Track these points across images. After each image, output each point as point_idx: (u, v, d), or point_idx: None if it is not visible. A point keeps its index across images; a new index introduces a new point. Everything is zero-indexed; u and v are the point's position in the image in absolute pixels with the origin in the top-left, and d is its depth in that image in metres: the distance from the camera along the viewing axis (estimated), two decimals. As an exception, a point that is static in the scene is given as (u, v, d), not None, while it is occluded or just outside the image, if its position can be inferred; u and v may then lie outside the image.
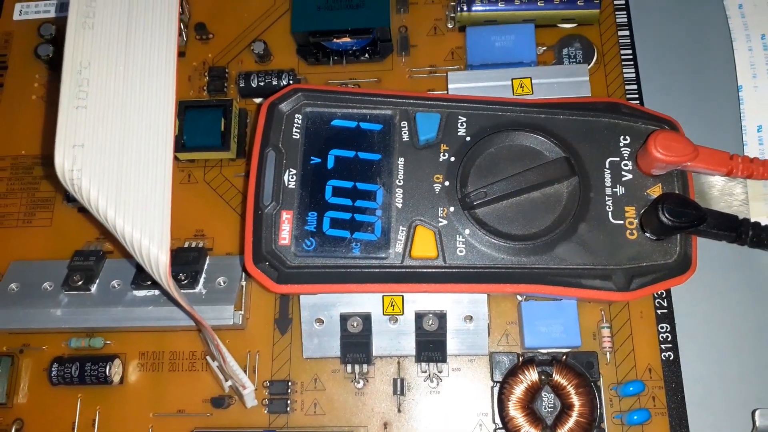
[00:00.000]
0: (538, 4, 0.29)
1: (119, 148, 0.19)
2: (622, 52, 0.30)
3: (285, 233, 0.23)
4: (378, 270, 0.23)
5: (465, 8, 0.29)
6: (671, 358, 0.26)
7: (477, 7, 0.29)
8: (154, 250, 0.19)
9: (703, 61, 0.29)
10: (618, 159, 0.23)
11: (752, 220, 0.23)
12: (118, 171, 0.19)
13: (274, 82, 0.29)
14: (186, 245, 0.28)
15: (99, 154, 0.19)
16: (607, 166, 0.24)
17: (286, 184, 0.24)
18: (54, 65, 0.31)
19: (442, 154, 0.24)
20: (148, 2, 0.21)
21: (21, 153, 0.30)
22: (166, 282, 0.20)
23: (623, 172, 0.23)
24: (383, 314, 0.25)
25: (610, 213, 0.23)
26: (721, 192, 0.26)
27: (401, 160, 0.24)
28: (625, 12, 0.30)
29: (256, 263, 0.23)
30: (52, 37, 0.31)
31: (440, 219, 0.23)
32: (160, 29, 0.21)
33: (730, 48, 0.29)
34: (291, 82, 0.29)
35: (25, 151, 0.30)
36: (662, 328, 0.26)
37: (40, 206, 0.29)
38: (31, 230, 0.29)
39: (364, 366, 0.25)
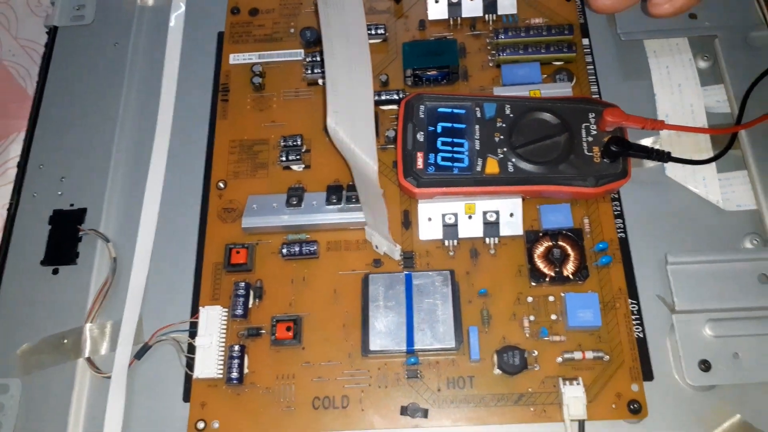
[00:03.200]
0: (542, 51, 0.51)
1: (352, 112, 0.40)
2: (590, 77, 0.51)
3: (419, 162, 0.44)
4: (468, 178, 0.44)
5: (500, 55, 0.51)
6: (623, 237, 0.46)
7: (506, 54, 0.52)
8: (371, 163, 0.38)
9: (634, 79, 0.51)
10: (588, 124, 0.45)
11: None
12: (353, 124, 0.39)
13: (394, 97, 0.50)
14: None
15: (345, 116, 0.39)
16: (583, 127, 0.45)
17: (418, 139, 0.45)
18: (259, 89, 0.53)
19: (498, 123, 0.45)
20: (355, 42, 0.42)
21: (244, 138, 0.50)
22: (375, 180, 0.39)
23: (591, 130, 0.45)
24: (464, 213, 0.46)
25: (585, 149, 0.44)
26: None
27: (477, 127, 0.45)
28: (590, 55, 0.51)
29: (405, 177, 0.44)
30: (260, 72, 0.53)
31: (499, 154, 0.44)
32: (360, 52, 0.41)
33: (648, 71, 0.51)
34: (403, 96, 0.50)
35: (247, 137, 0.50)
36: (618, 221, 0.46)
37: (259, 167, 0.49)
38: (255, 180, 0.48)
39: (455, 242, 0.45)
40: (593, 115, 0.45)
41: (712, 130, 0.47)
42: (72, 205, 0.50)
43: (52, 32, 0.57)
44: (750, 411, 0.41)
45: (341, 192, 0.47)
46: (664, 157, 0.44)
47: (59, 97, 0.54)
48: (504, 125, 0.45)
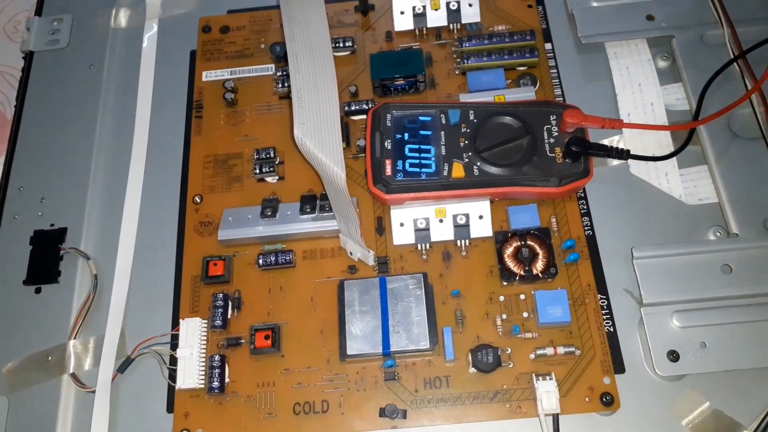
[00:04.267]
0: (505, 57, 0.52)
1: (319, 123, 0.41)
2: (553, 81, 0.52)
3: (388, 169, 0.46)
4: (435, 183, 0.45)
5: (465, 62, 0.53)
6: (590, 234, 0.47)
7: (471, 62, 0.53)
8: (339, 171, 0.40)
9: (596, 80, 0.52)
10: (550, 126, 0.46)
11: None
12: (319, 134, 0.41)
13: (363, 107, 0.52)
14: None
15: (311, 127, 0.41)
16: (545, 129, 0.46)
17: (386, 147, 0.46)
18: (232, 104, 0.54)
19: (463, 128, 0.47)
20: (319, 55, 0.43)
21: (219, 152, 0.51)
22: (344, 188, 0.41)
23: (553, 132, 0.46)
24: (435, 217, 0.47)
25: (547, 151, 0.46)
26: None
27: (442, 133, 0.47)
28: (552, 59, 0.53)
29: (375, 184, 0.45)
30: (233, 88, 0.54)
31: (465, 158, 0.46)
32: (324, 65, 0.43)
33: (609, 73, 0.52)
34: (372, 106, 0.52)
35: (221, 151, 0.51)
36: (584, 219, 0.48)
37: (234, 180, 0.50)
38: (230, 193, 0.49)
39: (426, 245, 0.47)
40: (554, 117, 0.47)
41: (670, 126, 0.48)
42: (52, 224, 0.51)
43: (29, 57, 0.58)
44: (719, 399, 0.42)
45: (315, 201, 0.48)
46: (623, 154, 0.45)
47: (37, 120, 0.55)
48: (468, 130, 0.46)
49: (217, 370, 0.44)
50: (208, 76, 0.55)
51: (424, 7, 0.54)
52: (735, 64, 0.49)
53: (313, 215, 0.47)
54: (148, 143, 0.53)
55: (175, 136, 0.53)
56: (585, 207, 0.48)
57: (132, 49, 0.58)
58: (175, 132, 0.54)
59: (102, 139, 0.54)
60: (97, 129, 0.54)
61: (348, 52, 0.54)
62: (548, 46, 0.54)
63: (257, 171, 0.50)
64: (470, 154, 0.46)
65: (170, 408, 0.44)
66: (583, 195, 0.48)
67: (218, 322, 0.45)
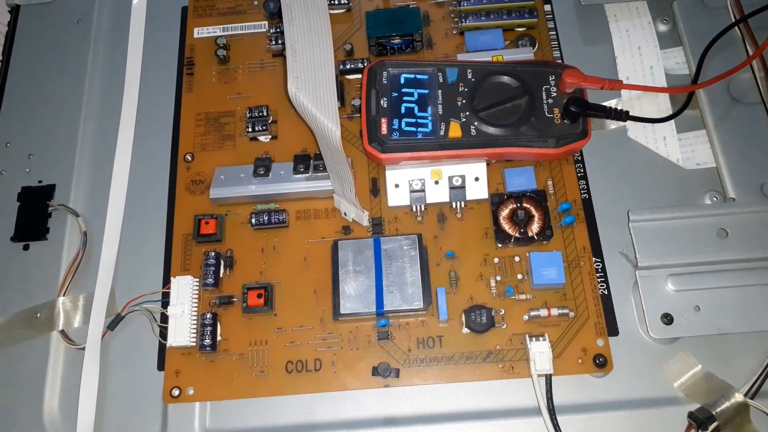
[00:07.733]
0: (504, 17, 0.52)
1: (313, 77, 0.41)
2: (552, 42, 0.52)
3: (384, 128, 0.45)
4: (432, 143, 0.45)
5: (463, 22, 0.52)
6: (586, 197, 0.47)
7: (469, 22, 0.52)
8: (333, 127, 0.40)
9: (595, 43, 0.52)
10: (549, 86, 0.46)
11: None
12: (314, 88, 0.40)
13: (359, 65, 0.51)
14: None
15: (305, 81, 0.40)
16: (543, 89, 0.46)
17: (382, 105, 0.46)
18: (224, 61, 0.53)
19: (460, 87, 0.46)
20: (314, 7, 0.42)
21: (210, 110, 0.50)
22: (339, 145, 0.40)
23: (552, 92, 0.46)
24: (431, 178, 0.47)
25: (546, 111, 0.45)
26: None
27: (439, 92, 0.46)
28: (552, 21, 0.52)
29: (370, 143, 0.45)
30: (225, 45, 0.53)
31: (462, 118, 0.45)
32: (319, 17, 0.42)
33: (609, 35, 0.51)
34: (367, 65, 0.51)
35: (212, 109, 0.50)
36: (581, 183, 0.48)
37: (226, 139, 0.50)
38: (222, 152, 0.49)
39: (422, 207, 0.46)
40: (553, 77, 0.46)
41: (669, 89, 0.48)
42: (40, 181, 0.50)
43: (15, 10, 0.57)
44: (712, 362, 0.42)
45: (308, 161, 0.47)
46: (622, 116, 0.45)
47: (24, 75, 0.54)
48: (466, 89, 0.46)
49: (208, 328, 0.44)
50: (199, 32, 0.54)
51: (421, -36, 0.53)
52: (736, 28, 0.49)
53: (307, 175, 0.47)
54: (138, 100, 0.53)
55: (166, 92, 0.52)
56: (582, 170, 0.47)
57: (121, 4, 0.56)
58: (166, 89, 0.52)
59: (91, 95, 0.53)
60: (86, 85, 0.53)
61: (343, 10, 0.53)
62: (547, 7, 0.53)
63: (250, 129, 0.49)
64: (467, 113, 0.45)
65: (161, 366, 0.44)
66: (580, 158, 0.48)
67: (210, 281, 0.45)
